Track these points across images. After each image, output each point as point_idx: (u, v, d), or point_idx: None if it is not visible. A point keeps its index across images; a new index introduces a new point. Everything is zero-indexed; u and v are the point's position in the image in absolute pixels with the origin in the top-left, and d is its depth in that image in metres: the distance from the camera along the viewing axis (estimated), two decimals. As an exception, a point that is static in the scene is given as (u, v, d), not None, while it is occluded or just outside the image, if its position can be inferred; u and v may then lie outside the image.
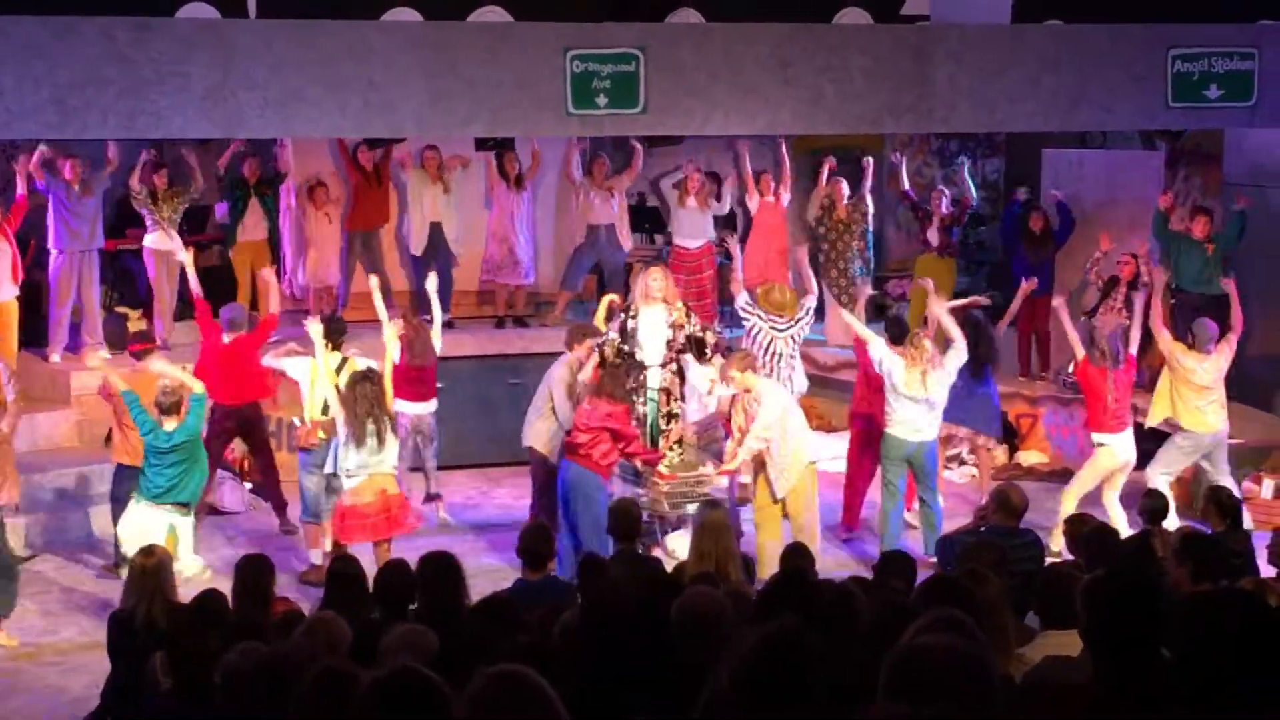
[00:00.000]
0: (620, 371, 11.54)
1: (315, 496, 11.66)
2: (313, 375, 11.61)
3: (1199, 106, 13.30)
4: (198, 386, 11.01)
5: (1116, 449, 11.97)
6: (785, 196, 15.94)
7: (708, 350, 12.24)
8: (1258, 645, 3.99)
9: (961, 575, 6.20)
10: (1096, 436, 12.03)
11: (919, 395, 11.48)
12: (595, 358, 11.99)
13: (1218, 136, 15.31)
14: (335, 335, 11.90)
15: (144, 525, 10.61)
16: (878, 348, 11.68)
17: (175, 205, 14.51)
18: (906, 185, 16.17)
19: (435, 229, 15.26)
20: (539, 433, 12.01)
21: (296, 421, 12.31)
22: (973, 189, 16.20)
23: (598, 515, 10.76)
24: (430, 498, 13.01)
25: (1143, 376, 13.40)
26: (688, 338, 12.22)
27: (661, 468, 11.82)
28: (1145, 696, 4.21)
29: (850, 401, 13.26)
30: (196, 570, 10.77)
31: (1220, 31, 13.24)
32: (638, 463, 11.79)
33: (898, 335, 11.97)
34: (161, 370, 11.29)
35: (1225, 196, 15.21)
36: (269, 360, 12.10)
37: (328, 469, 11.22)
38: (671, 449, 12.15)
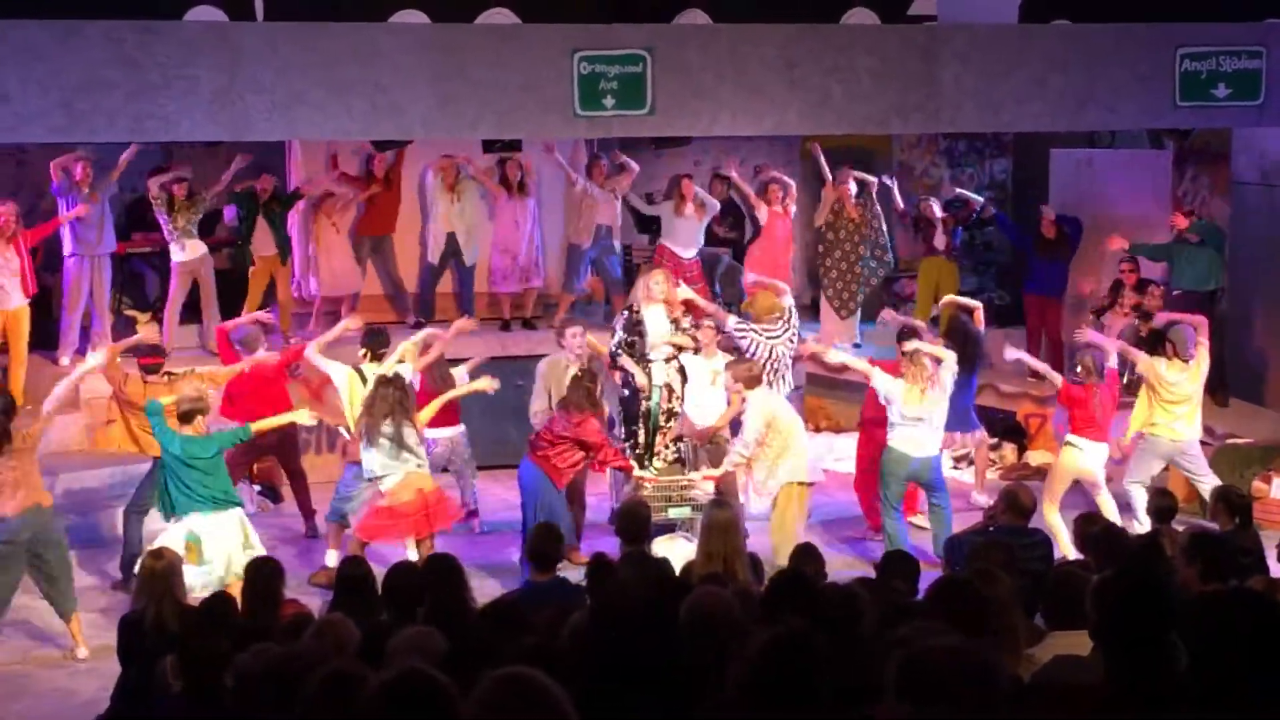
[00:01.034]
0: (586, 381, 11.46)
1: (352, 503, 11.65)
2: (351, 388, 11.59)
3: (1207, 106, 13.28)
4: (252, 427, 10.89)
5: (1081, 455, 11.98)
6: (792, 210, 15.92)
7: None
8: (1268, 645, 3.98)
9: (972, 575, 6.20)
10: (1070, 437, 12.06)
11: (918, 415, 11.47)
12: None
13: (1226, 135, 15.30)
14: (376, 346, 11.88)
15: (220, 532, 10.34)
16: (879, 379, 11.61)
17: (190, 216, 14.50)
18: (900, 204, 16.18)
19: (450, 239, 15.33)
20: None
21: (344, 432, 12.24)
22: (973, 194, 16.21)
23: (550, 515, 10.81)
24: (469, 514, 13.05)
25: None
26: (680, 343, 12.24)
27: (650, 470, 11.82)
28: (1155, 696, 4.21)
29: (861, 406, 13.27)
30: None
31: (1228, 30, 13.22)
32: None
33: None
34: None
35: (1234, 195, 15.19)
36: (313, 354, 11.88)
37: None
38: (667, 446, 12.14)
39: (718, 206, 15.92)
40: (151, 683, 6.83)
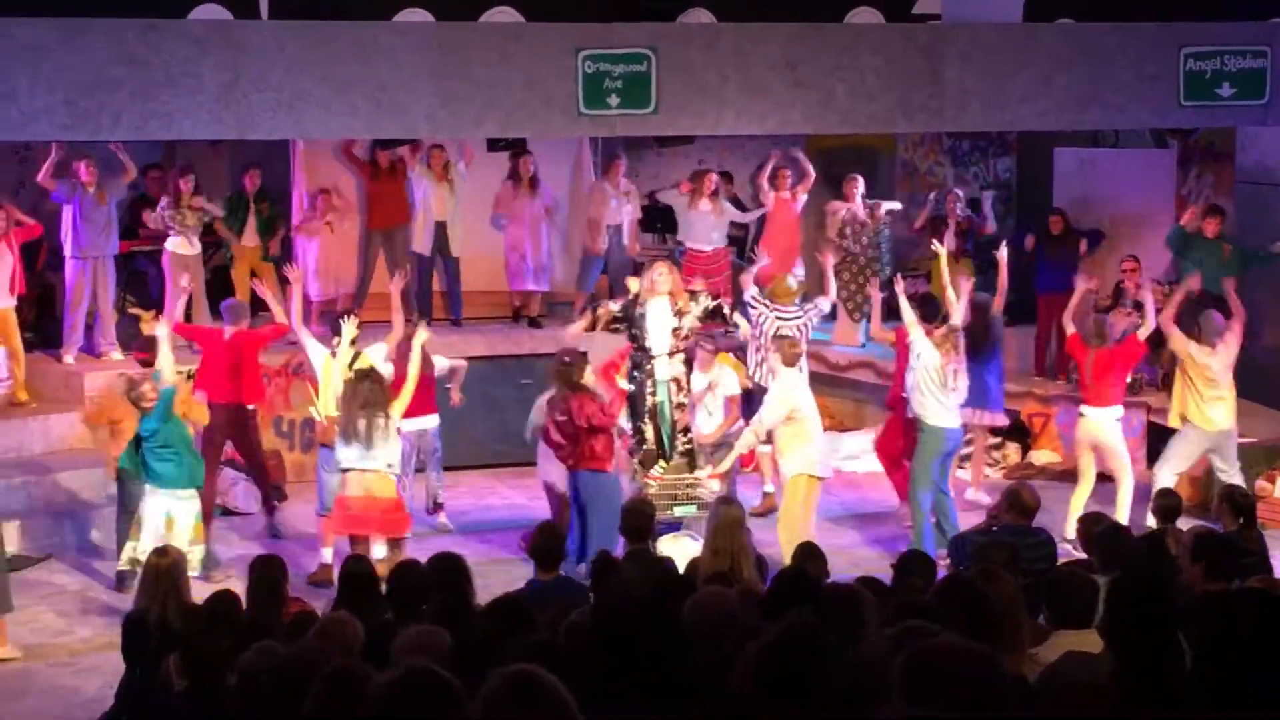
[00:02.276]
0: (569, 365, 11.34)
1: (332, 493, 11.65)
2: (327, 371, 11.59)
3: (1211, 105, 13.29)
4: (167, 374, 10.98)
5: (1084, 421, 12.26)
6: (802, 198, 15.85)
7: (726, 312, 12.30)
8: (1271, 644, 3.98)
9: (976, 574, 6.19)
10: (1081, 408, 12.34)
11: (954, 386, 11.67)
12: (587, 318, 12.29)
13: (1230, 134, 15.29)
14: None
15: (149, 514, 10.78)
16: (919, 338, 11.69)
17: (199, 216, 14.41)
18: (918, 224, 16.17)
19: (440, 228, 15.22)
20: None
21: (316, 415, 12.24)
22: (993, 221, 16.10)
23: (607, 521, 10.79)
24: (435, 507, 13.01)
25: (1154, 374, 13.49)
26: (707, 310, 12.20)
27: (658, 469, 11.83)
28: (1162, 695, 4.21)
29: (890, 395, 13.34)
30: (193, 562, 10.41)
31: (1232, 29, 13.23)
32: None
33: (930, 313, 12.07)
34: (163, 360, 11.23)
35: (1238, 194, 15.17)
36: (302, 331, 11.84)
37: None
38: (680, 432, 12.13)
39: (747, 217, 15.87)
40: (155, 681, 6.84)
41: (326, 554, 11.55)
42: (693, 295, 12.24)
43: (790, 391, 11.34)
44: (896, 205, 16.44)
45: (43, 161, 13.86)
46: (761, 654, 3.99)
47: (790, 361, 11.41)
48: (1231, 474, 12.04)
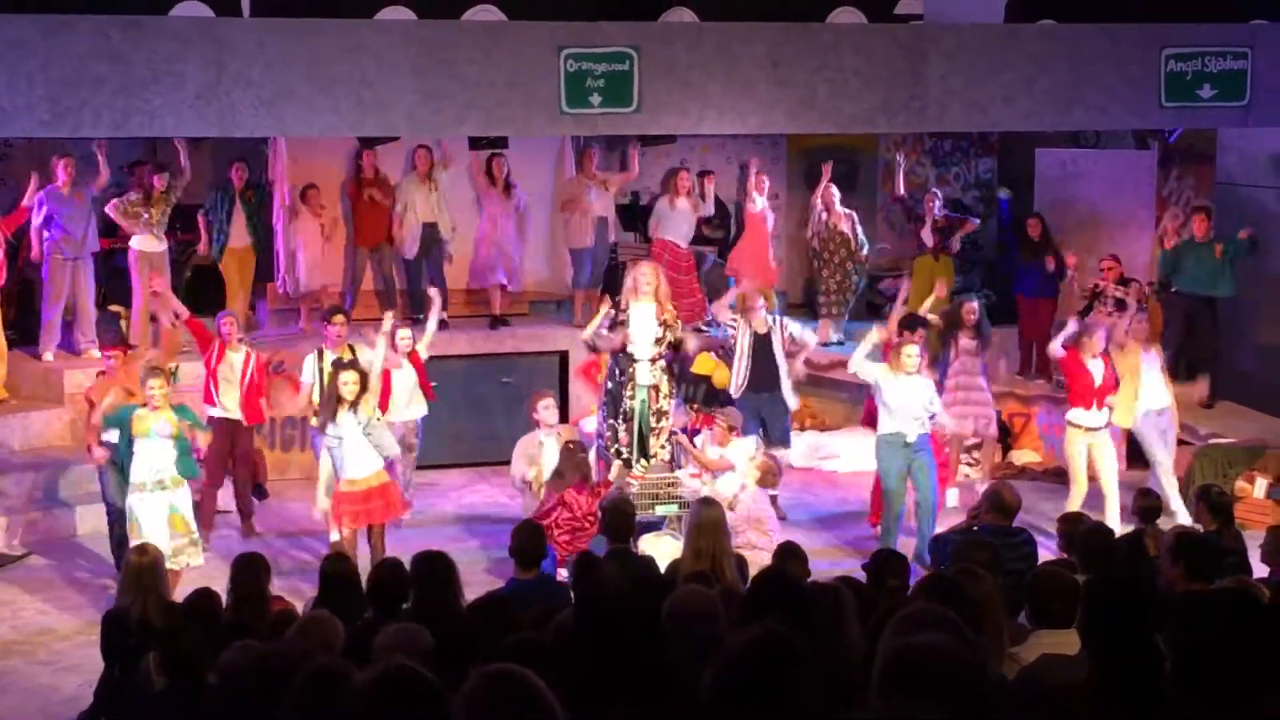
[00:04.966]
0: (578, 452, 11.55)
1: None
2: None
3: (1192, 106, 13.32)
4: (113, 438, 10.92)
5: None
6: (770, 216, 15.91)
7: (686, 348, 12.41)
8: (1250, 644, 3.99)
9: (956, 574, 6.20)
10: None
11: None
12: (605, 309, 12.22)
13: (1210, 136, 15.34)
14: None
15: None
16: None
17: (164, 209, 14.27)
18: (901, 190, 16.18)
19: (428, 229, 15.14)
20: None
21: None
22: (971, 216, 16.26)
23: None
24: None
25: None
26: (672, 342, 12.24)
27: (638, 469, 11.85)
28: (1141, 695, 4.22)
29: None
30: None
31: (1214, 31, 13.26)
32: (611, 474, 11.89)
33: (911, 324, 12.37)
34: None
35: (1217, 196, 15.22)
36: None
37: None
38: (663, 447, 12.15)
39: (711, 209, 15.84)
40: (135, 679, 6.82)
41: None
42: (676, 314, 12.31)
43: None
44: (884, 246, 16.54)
45: (22, 158, 13.84)
46: (732, 659, 3.98)
47: (766, 482, 11.59)
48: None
